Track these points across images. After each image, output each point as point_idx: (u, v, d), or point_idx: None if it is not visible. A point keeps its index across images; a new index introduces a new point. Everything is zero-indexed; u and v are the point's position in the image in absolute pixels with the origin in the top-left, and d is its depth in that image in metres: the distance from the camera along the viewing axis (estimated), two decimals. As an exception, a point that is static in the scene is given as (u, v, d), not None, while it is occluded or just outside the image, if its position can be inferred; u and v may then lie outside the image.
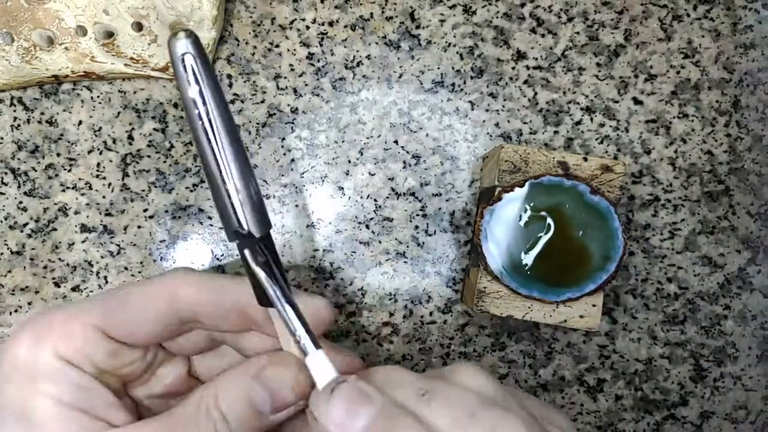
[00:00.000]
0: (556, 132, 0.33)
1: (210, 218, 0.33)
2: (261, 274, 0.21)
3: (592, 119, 0.33)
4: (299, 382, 0.22)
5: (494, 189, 0.29)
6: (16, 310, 0.33)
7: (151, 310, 0.22)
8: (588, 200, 0.28)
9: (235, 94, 0.33)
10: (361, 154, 0.33)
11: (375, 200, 0.33)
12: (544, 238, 0.28)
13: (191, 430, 0.20)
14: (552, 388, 0.34)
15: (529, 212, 0.28)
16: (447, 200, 0.33)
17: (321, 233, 0.33)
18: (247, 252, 0.21)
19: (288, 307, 0.21)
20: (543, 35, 0.33)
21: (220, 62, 0.33)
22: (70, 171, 0.33)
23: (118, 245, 0.33)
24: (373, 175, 0.33)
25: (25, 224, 0.33)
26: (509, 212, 0.28)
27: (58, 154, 0.33)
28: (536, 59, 0.33)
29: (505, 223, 0.28)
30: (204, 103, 0.19)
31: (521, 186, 0.28)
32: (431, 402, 0.19)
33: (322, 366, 0.20)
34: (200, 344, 0.24)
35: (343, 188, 0.33)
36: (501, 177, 0.28)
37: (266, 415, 0.21)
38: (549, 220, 0.28)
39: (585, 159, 0.28)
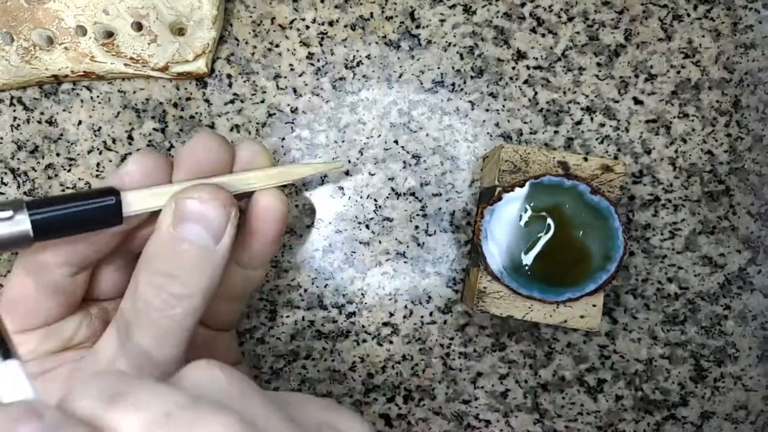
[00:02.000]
0: (556, 132, 0.33)
1: (210, 218, 0.33)
2: None
3: (592, 119, 0.33)
4: None
5: (494, 189, 0.29)
6: (15, 310, 0.33)
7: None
8: (588, 200, 0.28)
9: (234, 94, 0.33)
10: (361, 154, 0.33)
11: (375, 200, 0.33)
12: (545, 238, 0.28)
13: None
14: (552, 388, 0.34)
15: (529, 212, 0.28)
16: (447, 200, 0.33)
17: (321, 233, 0.33)
18: None
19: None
20: (543, 35, 0.33)
21: (220, 62, 0.33)
22: (69, 171, 0.33)
23: (118, 245, 0.33)
24: (373, 175, 0.33)
25: (25, 224, 0.33)
26: (509, 212, 0.28)
27: (58, 154, 0.33)
28: (536, 59, 0.33)
29: (505, 223, 0.28)
30: None
31: (521, 186, 0.28)
32: (118, 407, 0.16)
33: (12, 378, 0.17)
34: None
35: (343, 188, 0.33)
36: (501, 177, 0.28)
37: None
38: (549, 220, 0.28)
39: (585, 159, 0.28)
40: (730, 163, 0.33)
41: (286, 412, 0.18)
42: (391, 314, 0.33)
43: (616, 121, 0.33)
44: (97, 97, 0.33)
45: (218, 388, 0.17)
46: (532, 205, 0.28)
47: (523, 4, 0.33)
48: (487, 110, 0.33)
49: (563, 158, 0.28)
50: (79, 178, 0.33)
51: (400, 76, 0.33)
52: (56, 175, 0.33)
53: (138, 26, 0.31)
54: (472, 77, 0.33)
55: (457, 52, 0.33)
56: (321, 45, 0.33)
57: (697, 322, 0.33)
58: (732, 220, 0.33)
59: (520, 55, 0.33)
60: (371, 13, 0.33)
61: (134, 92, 0.33)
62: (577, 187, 0.28)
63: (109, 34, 0.31)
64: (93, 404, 0.16)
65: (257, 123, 0.33)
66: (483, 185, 0.32)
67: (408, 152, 0.33)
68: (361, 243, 0.33)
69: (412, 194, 0.33)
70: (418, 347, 0.34)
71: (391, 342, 0.34)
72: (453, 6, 0.33)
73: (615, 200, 0.28)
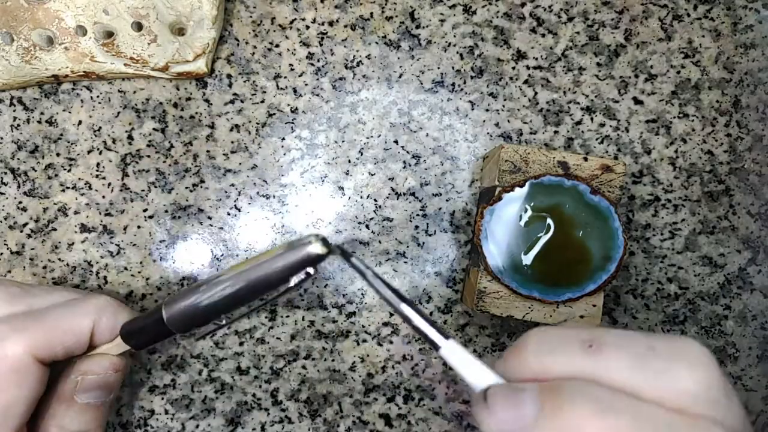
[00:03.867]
0: (556, 132, 0.33)
1: (210, 218, 0.33)
2: (383, 286, 0.22)
3: (592, 119, 0.33)
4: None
5: (494, 189, 0.29)
6: (15, 310, 0.33)
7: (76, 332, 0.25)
8: (588, 200, 0.28)
9: (235, 94, 0.33)
10: (361, 154, 0.33)
11: (375, 200, 0.33)
12: (545, 238, 0.28)
13: None
14: (552, 388, 0.34)
15: (529, 212, 0.28)
16: (447, 200, 0.33)
17: (321, 233, 0.33)
18: (356, 260, 0.23)
19: (409, 309, 0.21)
20: (543, 35, 0.33)
21: (220, 62, 0.33)
22: (69, 171, 0.33)
23: (118, 245, 0.33)
24: (373, 175, 0.33)
25: (25, 224, 0.33)
26: (509, 212, 0.28)
27: (58, 154, 0.33)
28: (536, 59, 0.33)
29: (505, 223, 0.28)
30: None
31: (521, 186, 0.28)
32: (601, 351, 0.18)
33: (458, 354, 0.20)
34: None
35: (343, 188, 0.33)
36: (501, 177, 0.28)
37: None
38: (549, 220, 0.28)
39: (585, 159, 0.28)
40: (730, 163, 0.33)
41: None
42: (391, 314, 0.33)
43: (616, 121, 0.33)
44: (97, 97, 0.33)
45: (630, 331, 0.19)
46: (532, 205, 0.28)
47: (523, 4, 0.33)
48: (487, 110, 0.33)
49: (563, 158, 0.28)
50: (79, 178, 0.33)
51: (400, 76, 0.33)
52: (56, 175, 0.33)
53: (138, 26, 0.31)
54: (472, 77, 0.33)
55: (457, 52, 0.33)
56: (321, 45, 0.33)
57: (697, 322, 0.33)
58: (732, 220, 0.33)
59: (520, 55, 0.33)
60: (371, 13, 0.33)
61: (134, 92, 0.33)
62: (577, 187, 0.28)
63: (109, 34, 0.31)
64: (573, 356, 0.18)
65: (257, 123, 0.33)
66: (483, 185, 0.32)
67: (408, 152, 0.33)
68: (361, 243, 0.33)
69: (412, 194, 0.33)
70: (418, 347, 0.34)
71: (391, 342, 0.34)
72: (453, 6, 0.33)
73: (615, 200, 0.28)
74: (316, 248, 0.23)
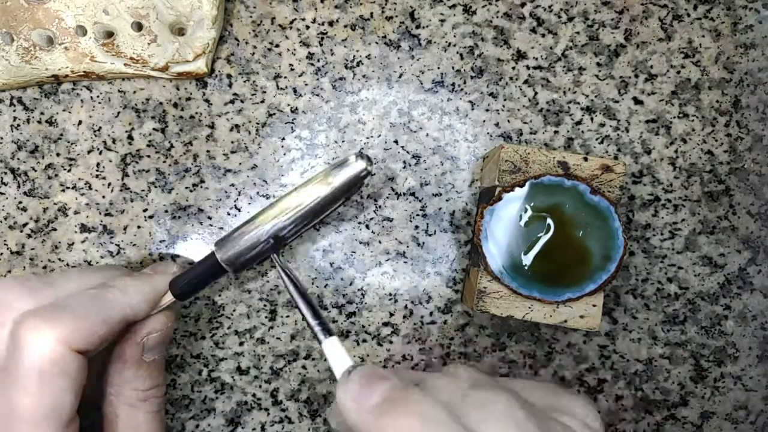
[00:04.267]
0: (556, 132, 0.33)
1: (210, 218, 0.33)
2: (284, 276, 0.26)
3: (592, 119, 0.33)
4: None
5: (494, 189, 0.29)
6: (15, 310, 0.33)
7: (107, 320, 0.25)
8: (588, 200, 0.28)
9: (234, 94, 0.33)
10: (361, 154, 0.33)
11: (375, 200, 0.33)
12: (545, 238, 0.28)
13: None
14: (552, 388, 0.34)
15: (529, 212, 0.28)
16: (447, 200, 0.33)
17: (321, 233, 0.33)
18: (274, 256, 0.27)
19: (300, 300, 0.25)
20: (543, 35, 0.33)
21: (220, 62, 0.33)
22: (69, 171, 0.33)
23: (118, 245, 0.33)
24: (373, 175, 0.33)
25: (25, 224, 0.33)
26: (509, 212, 0.28)
27: (58, 154, 0.33)
28: (536, 59, 0.33)
29: (505, 223, 0.28)
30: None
31: (521, 186, 0.28)
32: (424, 389, 0.21)
33: (336, 352, 0.23)
34: None
35: (343, 188, 0.33)
36: (501, 177, 0.28)
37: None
38: (549, 220, 0.28)
39: (585, 159, 0.28)
40: (730, 163, 0.33)
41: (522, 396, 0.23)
42: (391, 314, 0.33)
43: (616, 121, 0.33)
44: (97, 97, 0.33)
45: (484, 379, 0.23)
46: (532, 205, 0.28)
47: (523, 4, 0.33)
48: (487, 110, 0.33)
49: (563, 158, 0.28)
50: (79, 178, 0.33)
51: (400, 76, 0.33)
52: (56, 175, 0.33)
53: (138, 26, 0.31)
54: (472, 77, 0.33)
55: (457, 52, 0.33)
56: (321, 45, 0.33)
57: (697, 322, 0.33)
58: (732, 220, 0.33)
59: (520, 55, 0.33)
60: (371, 13, 0.33)
61: (134, 92, 0.33)
62: (577, 187, 0.28)
63: (109, 34, 0.31)
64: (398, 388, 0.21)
65: (257, 123, 0.33)
66: (483, 185, 0.32)
67: (408, 152, 0.33)
68: (361, 243, 0.33)
69: (412, 194, 0.33)
70: (418, 347, 0.34)
71: (391, 342, 0.34)
72: (453, 6, 0.33)
73: (615, 200, 0.28)
74: (359, 165, 0.26)
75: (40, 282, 0.26)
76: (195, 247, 0.33)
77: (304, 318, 0.25)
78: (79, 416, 0.24)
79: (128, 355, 0.27)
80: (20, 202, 0.33)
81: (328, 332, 0.24)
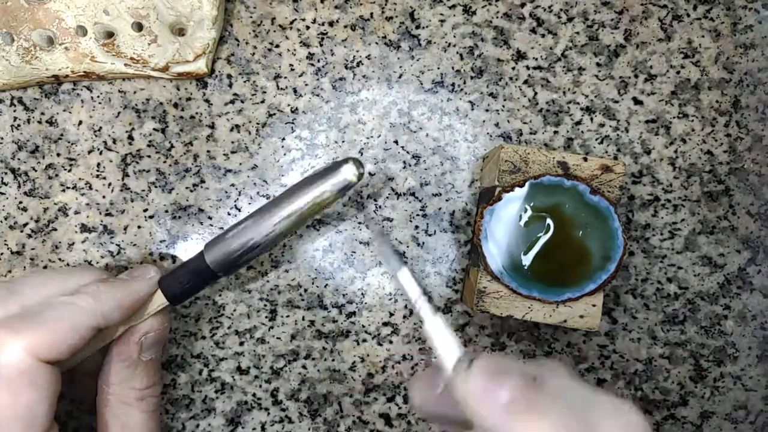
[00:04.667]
0: (556, 132, 0.33)
1: (210, 218, 0.33)
2: (385, 243, 0.25)
3: (592, 119, 0.33)
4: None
5: (494, 189, 0.29)
6: (16, 310, 0.33)
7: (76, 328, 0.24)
8: (588, 200, 0.28)
9: (235, 94, 0.33)
10: (361, 154, 0.33)
11: (375, 200, 0.33)
12: (544, 238, 0.28)
13: None
14: (552, 388, 0.34)
15: (529, 212, 0.28)
16: (447, 200, 0.33)
17: (321, 233, 0.33)
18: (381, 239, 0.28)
19: (407, 273, 0.23)
20: (543, 35, 0.33)
21: (220, 62, 0.33)
22: (70, 171, 0.33)
23: (118, 245, 0.33)
24: (373, 175, 0.33)
25: (25, 224, 0.33)
26: (509, 212, 0.28)
27: (58, 154, 0.33)
28: (536, 59, 0.33)
29: (505, 223, 0.28)
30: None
31: (521, 186, 0.28)
32: (544, 388, 0.20)
33: (443, 333, 0.21)
34: None
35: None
36: (501, 177, 0.28)
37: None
38: (549, 220, 0.28)
39: (585, 159, 0.28)
40: (730, 163, 0.33)
41: None
42: (391, 314, 0.33)
43: (616, 121, 0.33)
44: (98, 97, 0.33)
45: (591, 386, 0.21)
46: (532, 205, 0.28)
47: (523, 5, 0.33)
48: (487, 110, 0.33)
49: (563, 158, 0.28)
50: (80, 178, 0.33)
51: (400, 77, 0.33)
52: (56, 175, 0.33)
53: (138, 26, 0.31)
54: (472, 77, 0.33)
55: (457, 53, 0.33)
56: (321, 45, 0.33)
57: (697, 322, 0.33)
58: (732, 220, 0.33)
59: (520, 56, 0.33)
60: (371, 14, 0.33)
61: (134, 92, 0.33)
62: (577, 187, 0.28)
63: (110, 35, 0.31)
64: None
65: (257, 123, 0.33)
66: (483, 185, 0.32)
67: (408, 152, 0.33)
68: (361, 243, 0.33)
69: (412, 194, 0.33)
70: (418, 347, 0.34)
71: (391, 342, 0.34)
72: (453, 6, 0.33)
73: (615, 200, 0.28)
74: (350, 172, 0.26)
75: (8, 290, 0.25)
76: (195, 247, 0.33)
77: (405, 295, 0.23)
78: (72, 417, 0.24)
79: (126, 354, 0.27)
80: (20, 202, 0.33)
81: (435, 309, 0.22)
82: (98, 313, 0.25)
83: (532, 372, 0.21)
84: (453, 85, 0.33)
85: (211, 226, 0.33)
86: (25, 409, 0.22)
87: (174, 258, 0.33)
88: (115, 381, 0.27)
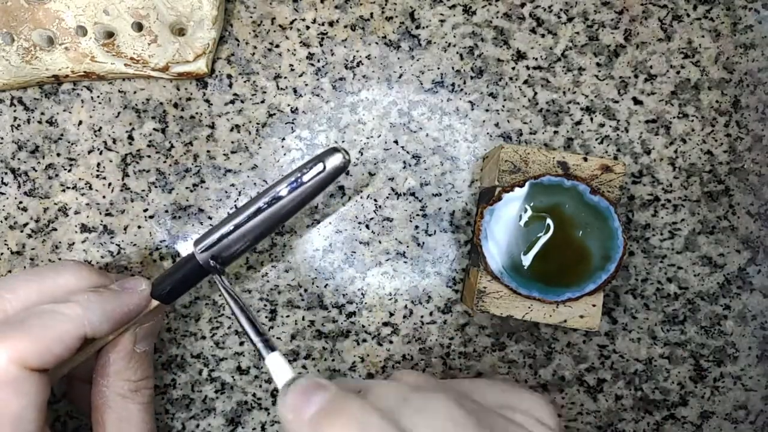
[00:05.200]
0: (556, 132, 0.33)
1: (210, 218, 0.33)
2: (225, 294, 0.26)
3: (592, 119, 0.33)
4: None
5: (494, 189, 0.29)
6: (16, 310, 0.33)
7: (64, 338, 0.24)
8: (588, 200, 0.28)
9: (235, 94, 0.33)
10: (361, 154, 0.33)
11: (375, 200, 0.33)
12: (544, 238, 0.28)
13: None
14: (552, 388, 0.34)
15: (529, 212, 0.28)
16: (447, 200, 0.33)
17: (321, 233, 0.33)
18: (217, 278, 0.27)
19: (242, 318, 0.25)
20: (543, 35, 0.33)
21: (220, 62, 0.33)
22: (70, 171, 0.33)
23: (118, 245, 0.33)
24: (373, 175, 0.33)
25: (25, 224, 0.33)
26: (509, 212, 0.28)
27: (58, 154, 0.33)
28: (536, 59, 0.33)
29: (505, 223, 0.28)
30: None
31: (521, 186, 0.28)
32: (367, 396, 0.21)
33: (279, 366, 0.23)
34: None
35: (343, 188, 0.33)
36: (501, 177, 0.28)
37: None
38: (549, 220, 0.28)
39: (585, 159, 0.28)
40: (730, 163, 0.33)
41: (472, 397, 0.23)
42: (391, 314, 0.33)
43: (616, 121, 0.33)
44: (98, 97, 0.33)
45: (427, 382, 0.24)
46: (531, 205, 0.28)
47: (522, 5, 0.33)
48: (487, 110, 0.33)
49: (563, 158, 0.28)
50: (80, 178, 0.33)
51: (400, 77, 0.33)
52: (56, 175, 0.33)
53: (138, 26, 0.31)
54: (472, 77, 0.33)
55: (457, 53, 0.33)
56: (321, 45, 0.33)
57: (697, 322, 0.33)
58: (731, 220, 0.33)
59: (520, 56, 0.33)
60: (371, 14, 0.33)
61: (134, 92, 0.33)
62: (577, 187, 0.28)
63: (110, 35, 0.31)
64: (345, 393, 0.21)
65: (257, 123, 0.33)
66: (483, 185, 0.32)
67: (408, 152, 0.33)
68: (361, 243, 0.33)
69: (412, 194, 0.33)
70: (418, 347, 0.34)
71: (391, 342, 0.33)
72: (453, 6, 0.33)
73: (615, 200, 0.28)
74: (336, 160, 0.26)
75: None
76: (195, 247, 0.33)
77: (245, 334, 0.25)
78: (72, 417, 0.24)
79: (121, 345, 0.27)
80: (20, 202, 0.33)
81: (270, 348, 0.24)
82: (86, 324, 0.24)
83: (364, 386, 0.22)
84: (453, 85, 0.33)
85: (212, 226, 0.33)
86: (13, 418, 0.22)
87: (174, 258, 0.33)
88: (111, 373, 0.27)
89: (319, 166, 0.26)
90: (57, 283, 0.26)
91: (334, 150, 0.26)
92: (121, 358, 0.27)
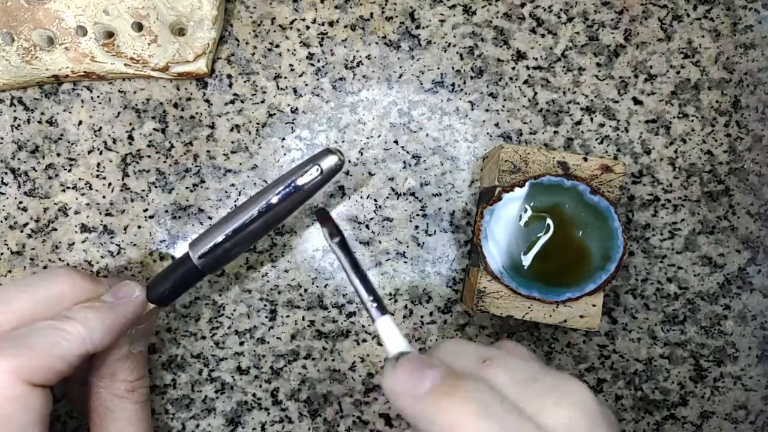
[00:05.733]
0: (556, 132, 0.33)
1: (210, 218, 0.33)
2: (335, 247, 0.25)
3: (592, 119, 0.33)
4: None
5: (494, 189, 0.28)
6: (16, 310, 0.33)
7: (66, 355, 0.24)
8: (588, 200, 0.27)
9: (235, 94, 0.33)
10: (361, 154, 0.33)
11: (375, 200, 0.33)
12: (544, 238, 0.28)
13: None
14: (552, 388, 0.33)
15: (529, 212, 0.28)
16: (447, 200, 0.33)
17: (321, 233, 0.33)
18: (325, 233, 0.25)
19: (355, 277, 0.24)
20: (543, 35, 0.33)
21: (220, 62, 0.33)
22: (70, 171, 0.33)
23: (118, 245, 0.33)
24: (373, 175, 0.33)
25: (25, 224, 0.33)
26: (509, 212, 0.28)
27: (58, 154, 0.33)
28: (536, 59, 0.33)
29: (505, 223, 0.28)
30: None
31: (521, 186, 0.28)
32: (490, 368, 0.20)
33: (389, 333, 0.22)
34: None
35: (343, 188, 0.33)
36: (501, 177, 0.28)
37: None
38: (549, 220, 0.28)
39: (585, 159, 0.28)
40: (730, 163, 0.33)
41: None
42: (391, 314, 0.33)
43: (616, 121, 0.33)
44: (98, 97, 0.33)
45: (535, 361, 0.22)
46: (532, 205, 0.28)
47: (522, 5, 0.33)
48: (487, 110, 0.33)
49: (563, 158, 0.28)
50: (80, 178, 0.33)
51: (400, 77, 0.33)
52: (56, 175, 0.33)
53: (138, 26, 0.31)
54: (472, 77, 0.33)
55: (457, 53, 0.33)
56: (321, 45, 0.33)
57: (697, 322, 0.33)
58: (731, 220, 0.33)
59: (520, 56, 0.33)
60: (371, 14, 0.33)
61: (134, 92, 0.33)
62: (577, 187, 0.27)
63: (110, 35, 0.31)
64: (469, 365, 0.21)
65: (257, 123, 0.33)
66: (483, 185, 0.32)
67: (408, 152, 0.33)
68: (361, 243, 0.33)
69: (412, 194, 0.33)
70: (418, 347, 0.33)
71: (391, 342, 0.33)
72: (453, 6, 0.33)
73: (615, 200, 0.28)
74: (330, 161, 0.26)
75: None
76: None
77: (357, 292, 0.23)
78: (71, 417, 0.24)
79: (117, 348, 0.27)
80: (20, 202, 0.33)
81: (383, 311, 0.23)
82: (87, 341, 0.24)
83: (487, 355, 0.21)
84: (453, 85, 0.33)
85: (211, 225, 0.33)
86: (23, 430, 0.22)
87: (174, 258, 0.33)
88: (106, 374, 0.27)
89: (315, 169, 0.26)
90: (51, 293, 0.25)
91: (329, 151, 0.26)
92: (117, 360, 0.27)
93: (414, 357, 0.20)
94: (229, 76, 0.33)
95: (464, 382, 0.19)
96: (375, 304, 0.23)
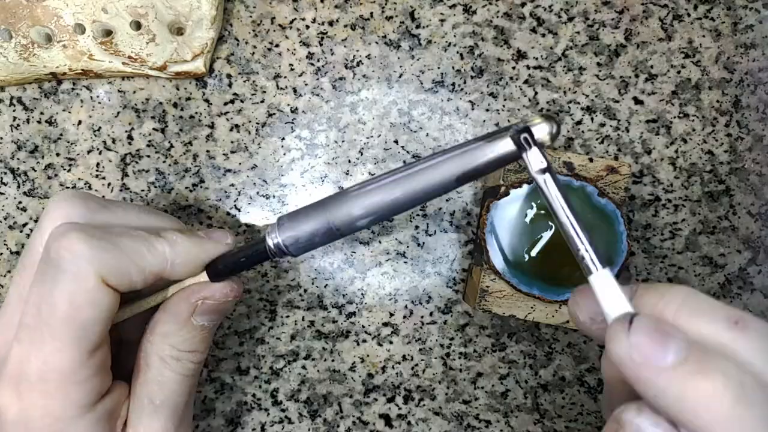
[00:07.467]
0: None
1: (210, 218, 0.31)
2: (557, 193, 0.18)
3: (592, 119, 0.31)
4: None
5: (499, 188, 0.27)
6: (14, 311, 0.31)
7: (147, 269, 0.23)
8: (595, 202, 0.26)
9: (234, 94, 0.31)
10: (361, 154, 0.31)
11: (375, 200, 0.31)
12: (547, 236, 0.26)
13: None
14: (552, 388, 0.31)
15: (534, 210, 0.26)
16: (447, 200, 0.31)
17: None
18: (549, 179, 0.18)
19: (575, 222, 0.18)
20: (543, 35, 0.31)
21: (220, 62, 0.31)
22: (69, 171, 0.31)
23: (118, 245, 0.31)
24: (373, 174, 0.31)
25: (25, 224, 0.31)
26: (515, 208, 0.26)
27: (58, 154, 0.31)
28: (536, 59, 0.31)
29: (510, 219, 0.26)
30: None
31: (529, 183, 0.26)
32: (746, 331, 0.16)
33: (608, 289, 0.18)
34: None
35: (343, 188, 0.31)
36: (506, 176, 0.26)
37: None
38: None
39: (591, 160, 0.26)
40: (730, 163, 0.31)
41: None
42: (391, 314, 0.31)
43: (617, 121, 0.31)
44: (97, 97, 0.31)
45: None
46: (538, 202, 0.26)
47: (523, 4, 0.31)
48: (487, 110, 0.31)
49: (568, 158, 0.26)
50: (79, 178, 0.31)
51: (400, 76, 0.31)
52: (56, 175, 0.31)
53: (137, 25, 0.29)
54: (472, 77, 0.31)
55: (457, 52, 0.31)
56: (321, 45, 0.31)
57: (698, 322, 0.31)
58: (732, 220, 0.31)
59: (520, 55, 0.31)
60: (371, 13, 0.31)
61: (134, 92, 0.31)
62: (586, 188, 0.26)
63: (108, 33, 0.29)
64: (715, 327, 0.16)
65: (257, 123, 0.31)
66: (487, 184, 0.30)
67: (408, 152, 0.31)
68: (361, 243, 0.31)
69: (413, 194, 0.31)
70: (418, 347, 0.32)
71: (391, 342, 0.31)
72: (453, 6, 0.31)
73: (620, 202, 0.26)
74: (543, 131, 0.18)
75: (99, 205, 0.24)
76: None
77: (568, 240, 0.18)
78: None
79: (177, 309, 0.25)
80: (20, 202, 0.31)
81: (601, 263, 0.18)
82: (168, 262, 0.23)
83: (735, 315, 0.17)
84: (453, 84, 0.31)
85: (211, 226, 0.31)
86: (81, 324, 0.21)
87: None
88: (158, 331, 0.25)
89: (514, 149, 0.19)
90: (154, 221, 0.25)
91: (548, 118, 0.19)
92: (174, 322, 0.25)
93: (651, 322, 0.16)
94: (229, 76, 0.31)
95: (715, 358, 0.16)
96: (593, 254, 0.18)
